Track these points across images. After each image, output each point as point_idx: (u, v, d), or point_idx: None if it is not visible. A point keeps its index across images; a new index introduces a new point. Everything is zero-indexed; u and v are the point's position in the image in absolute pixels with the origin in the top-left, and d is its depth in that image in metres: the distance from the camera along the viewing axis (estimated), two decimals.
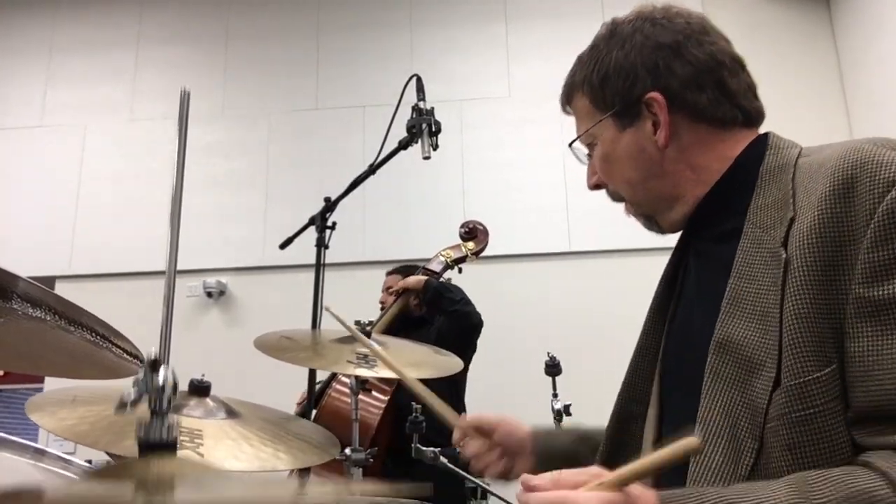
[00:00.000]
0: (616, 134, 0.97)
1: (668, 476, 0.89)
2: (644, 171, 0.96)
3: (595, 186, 1.04)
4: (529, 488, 0.69)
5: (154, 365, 0.63)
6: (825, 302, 0.74)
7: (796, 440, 0.73)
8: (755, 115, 0.95)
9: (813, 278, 0.75)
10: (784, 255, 0.78)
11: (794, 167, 0.85)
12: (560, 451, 1.11)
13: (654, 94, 0.92)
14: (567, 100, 1.05)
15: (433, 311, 2.71)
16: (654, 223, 1.01)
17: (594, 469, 0.69)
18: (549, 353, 2.41)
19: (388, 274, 3.08)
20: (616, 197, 1.03)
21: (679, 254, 1.03)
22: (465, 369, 2.85)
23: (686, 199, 0.95)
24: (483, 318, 2.78)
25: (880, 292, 0.72)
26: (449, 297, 2.67)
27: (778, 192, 0.84)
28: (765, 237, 0.82)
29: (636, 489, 0.68)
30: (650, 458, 0.67)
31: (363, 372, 1.40)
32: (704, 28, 0.95)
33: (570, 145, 1.05)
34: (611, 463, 0.99)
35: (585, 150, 1.04)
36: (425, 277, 2.71)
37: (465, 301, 2.70)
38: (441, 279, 2.75)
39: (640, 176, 0.96)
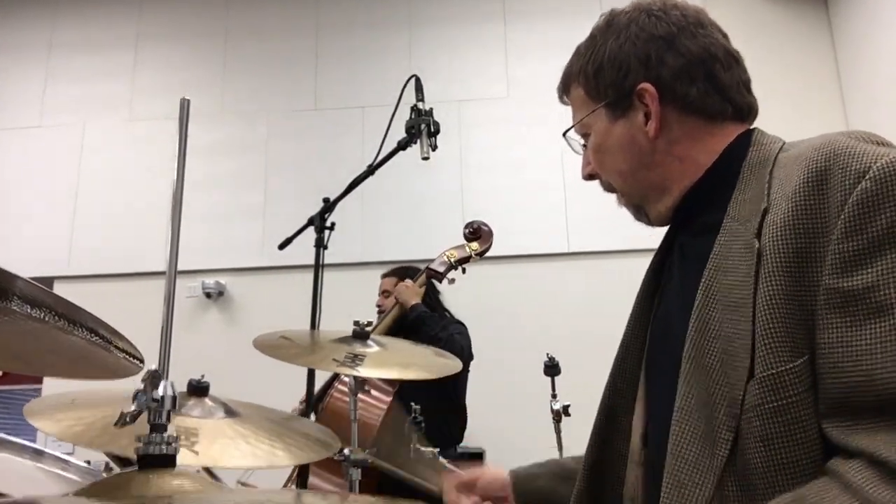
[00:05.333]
0: (608, 124, 0.98)
1: (651, 468, 0.89)
2: (634, 162, 0.97)
3: (589, 177, 1.06)
4: None
5: (154, 379, 0.63)
6: (797, 293, 0.74)
7: (770, 431, 0.73)
8: (746, 110, 0.96)
9: (785, 269, 0.75)
10: (757, 246, 0.79)
11: (773, 161, 0.86)
12: (539, 492, 1.15)
13: (646, 85, 0.93)
14: (564, 89, 1.07)
15: (411, 334, 2.71)
16: (643, 214, 1.03)
17: None
18: (547, 354, 2.41)
19: (384, 276, 3.08)
20: (608, 187, 1.04)
21: (664, 248, 1.04)
22: (466, 370, 2.85)
23: (673, 190, 0.97)
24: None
25: (849, 283, 0.72)
26: (424, 329, 2.70)
27: (756, 186, 0.85)
28: (741, 229, 0.83)
29: None
30: None
31: (345, 370, 1.39)
32: (700, 21, 0.96)
33: (565, 135, 1.07)
34: (599, 456, 1.01)
35: (581, 141, 1.06)
36: (413, 302, 2.71)
37: (436, 339, 2.66)
38: (445, 278, 2.75)
39: (631, 166, 0.98)
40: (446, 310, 3.03)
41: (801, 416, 0.72)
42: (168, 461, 0.63)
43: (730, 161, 0.91)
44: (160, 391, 0.63)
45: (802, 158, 0.79)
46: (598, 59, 0.97)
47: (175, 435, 0.64)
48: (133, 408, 0.62)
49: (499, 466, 1.17)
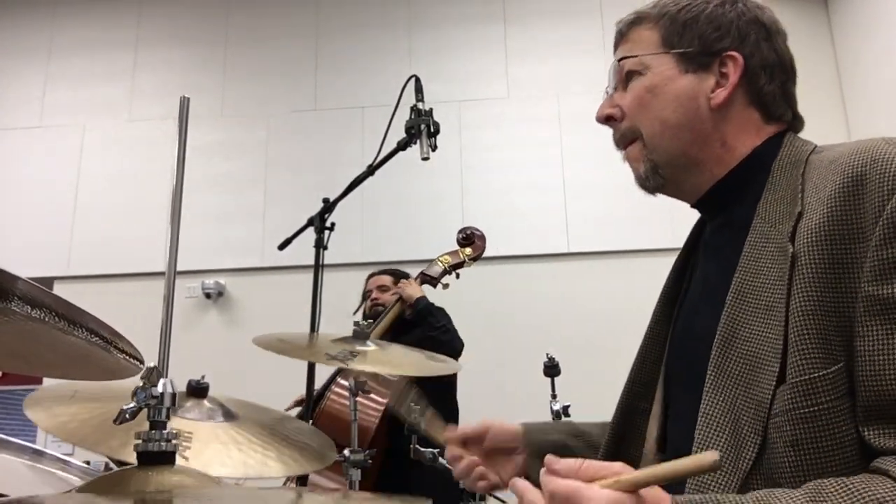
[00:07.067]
0: (676, 72, 0.95)
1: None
2: (683, 119, 0.94)
3: (606, 118, 1.01)
4: (552, 471, 0.69)
5: (153, 376, 0.63)
6: (832, 299, 0.74)
7: (800, 437, 0.72)
8: (800, 123, 0.97)
9: (820, 275, 0.75)
10: (791, 250, 0.78)
11: (804, 163, 0.85)
12: (552, 444, 1.11)
13: (736, 55, 0.92)
14: (630, 25, 1.01)
15: (414, 328, 2.76)
16: (656, 175, 0.97)
17: (617, 465, 0.68)
18: (547, 354, 2.41)
19: (378, 274, 3.09)
20: (627, 136, 0.99)
21: (689, 245, 1.03)
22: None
23: (703, 169, 0.95)
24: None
25: (889, 290, 0.71)
26: (431, 321, 2.75)
27: (787, 188, 0.84)
28: (772, 232, 0.82)
29: (651, 493, 0.67)
30: (670, 466, 0.67)
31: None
32: (786, 38, 0.98)
33: (620, 61, 0.99)
34: (614, 457, 0.99)
35: (613, 83, 1.01)
36: (418, 295, 2.77)
37: (444, 329, 2.76)
38: (440, 283, 2.78)
39: (678, 121, 0.94)
40: None
41: (833, 422, 0.72)
42: (167, 458, 0.63)
43: (761, 159, 0.91)
44: (159, 388, 0.63)
45: (838, 163, 0.78)
46: (696, 11, 0.95)
47: (174, 432, 0.64)
48: (132, 405, 0.62)
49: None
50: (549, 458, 0.70)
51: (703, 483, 0.77)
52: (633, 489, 0.66)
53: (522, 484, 0.72)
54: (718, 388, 0.80)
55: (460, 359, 2.66)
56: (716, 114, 0.93)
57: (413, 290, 2.79)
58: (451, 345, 2.72)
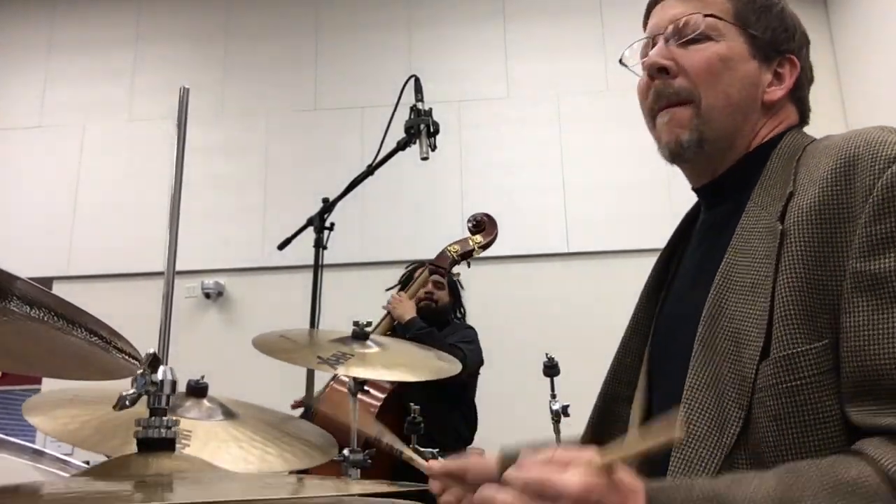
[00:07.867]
0: (746, 54, 0.93)
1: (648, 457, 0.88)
2: (742, 102, 0.93)
3: (661, 69, 0.94)
4: (522, 464, 0.68)
5: (153, 363, 0.63)
6: (820, 277, 0.75)
7: (782, 411, 0.73)
8: (804, 124, 1.00)
9: (809, 252, 0.76)
10: (780, 228, 0.79)
11: (801, 151, 0.87)
12: None
13: (796, 60, 0.96)
14: None
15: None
16: (699, 148, 0.93)
17: (588, 453, 0.67)
18: (547, 354, 2.41)
19: (421, 268, 2.88)
20: (681, 95, 0.93)
21: (677, 237, 1.04)
22: (476, 374, 2.84)
23: (731, 155, 0.95)
24: (481, 319, 2.75)
25: (877, 266, 0.72)
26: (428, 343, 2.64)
27: (783, 174, 0.86)
28: (763, 214, 0.83)
29: (624, 476, 0.66)
30: (638, 442, 0.66)
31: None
32: None
33: (705, 16, 0.93)
34: (594, 444, 0.99)
35: (669, 30, 0.95)
36: (409, 316, 2.64)
37: (460, 345, 2.59)
38: (450, 274, 2.71)
39: (738, 102, 0.93)
40: (462, 309, 3.00)
41: (814, 398, 0.72)
42: (167, 444, 0.63)
43: (766, 150, 0.92)
44: (159, 375, 0.63)
45: (833, 147, 0.80)
46: (770, 3, 0.95)
47: (175, 419, 0.64)
48: (132, 391, 0.62)
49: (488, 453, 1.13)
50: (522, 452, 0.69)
51: (687, 458, 0.77)
52: (607, 471, 0.65)
53: (489, 491, 0.70)
54: (704, 363, 0.80)
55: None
56: (764, 109, 0.94)
57: (403, 310, 2.66)
58: (463, 360, 2.61)
